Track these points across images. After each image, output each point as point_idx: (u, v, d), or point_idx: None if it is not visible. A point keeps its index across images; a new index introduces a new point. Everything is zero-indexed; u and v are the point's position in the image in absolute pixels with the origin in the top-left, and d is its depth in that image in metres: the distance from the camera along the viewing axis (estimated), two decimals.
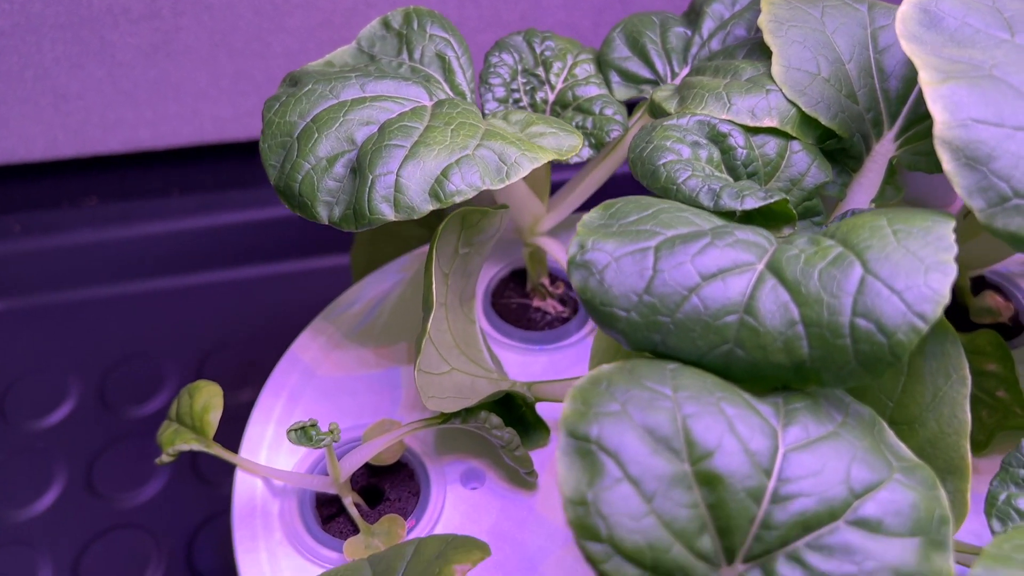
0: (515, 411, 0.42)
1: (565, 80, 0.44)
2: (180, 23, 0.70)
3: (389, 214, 0.34)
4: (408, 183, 0.34)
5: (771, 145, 0.36)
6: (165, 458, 0.41)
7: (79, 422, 0.67)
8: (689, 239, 0.30)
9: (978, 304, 0.48)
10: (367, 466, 0.42)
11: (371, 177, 0.34)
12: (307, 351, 0.46)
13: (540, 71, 0.44)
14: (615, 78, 0.44)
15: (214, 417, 0.42)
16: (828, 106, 0.37)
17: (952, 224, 0.28)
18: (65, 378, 0.69)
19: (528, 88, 0.44)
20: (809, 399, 0.29)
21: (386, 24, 0.42)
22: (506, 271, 0.50)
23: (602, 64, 0.44)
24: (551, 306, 0.48)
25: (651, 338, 0.29)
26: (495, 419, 0.40)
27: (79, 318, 0.73)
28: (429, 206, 0.34)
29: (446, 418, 0.41)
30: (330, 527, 0.40)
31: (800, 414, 0.28)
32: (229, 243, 0.77)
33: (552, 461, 0.42)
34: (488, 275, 0.49)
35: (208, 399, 0.42)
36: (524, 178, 0.45)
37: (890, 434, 0.29)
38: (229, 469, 0.65)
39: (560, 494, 0.26)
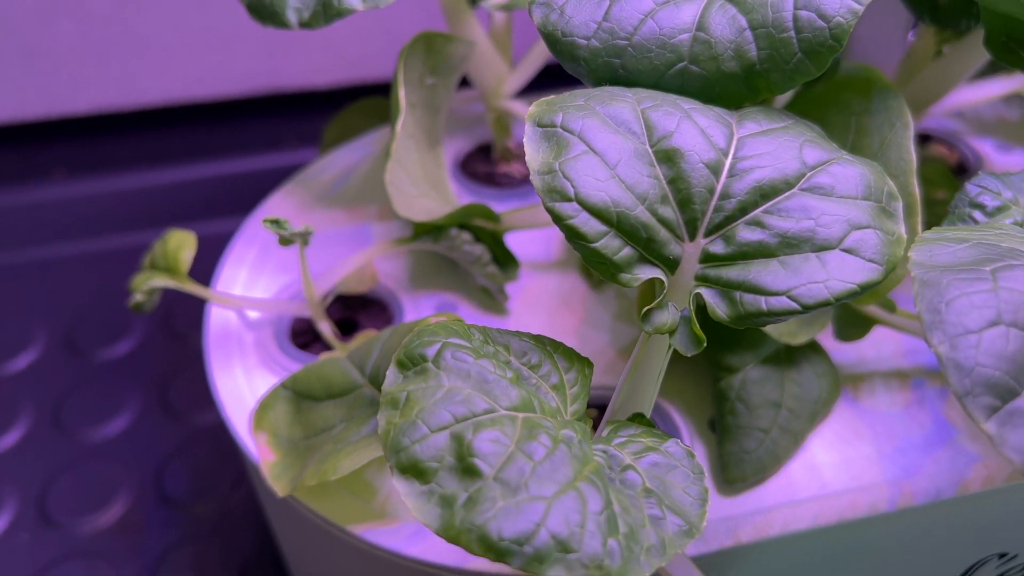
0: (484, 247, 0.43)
1: None
2: None
3: (357, 4, 0.36)
4: None
5: None
6: (138, 297, 0.41)
7: (46, 366, 0.66)
8: None
9: (926, 153, 0.50)
10: (341, 300, 0.43)
11: None
12: (278, 210, 0.47)
13: None
14: None
15: (187, 255, 0.42)
16: None
17: None
18: (32, 328, 0.69)
19: None
20: (761, 107, 0.30)
21: None
22: (472, 146, 0.52)
23: None
24: (517, 170, 0.50)
25: (611, 63, 0.30)
26: (466, 234, 0.41)
27: (46, 273, 0.73)
28: None
29: (416, 236, 0.41)
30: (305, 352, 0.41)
31: (753, 114, 0.29)
32: (193, 200, 0.78)
33: (523, 290, 0.43)
34: (455, 150, 0.51)
35: (181, 240, 0.43)
36: (487, 36, 0.47)
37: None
38: (198, 401, 0.65)
39: (529, 170, 0.27)
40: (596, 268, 0.27)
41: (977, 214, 0.33)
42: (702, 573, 0.30)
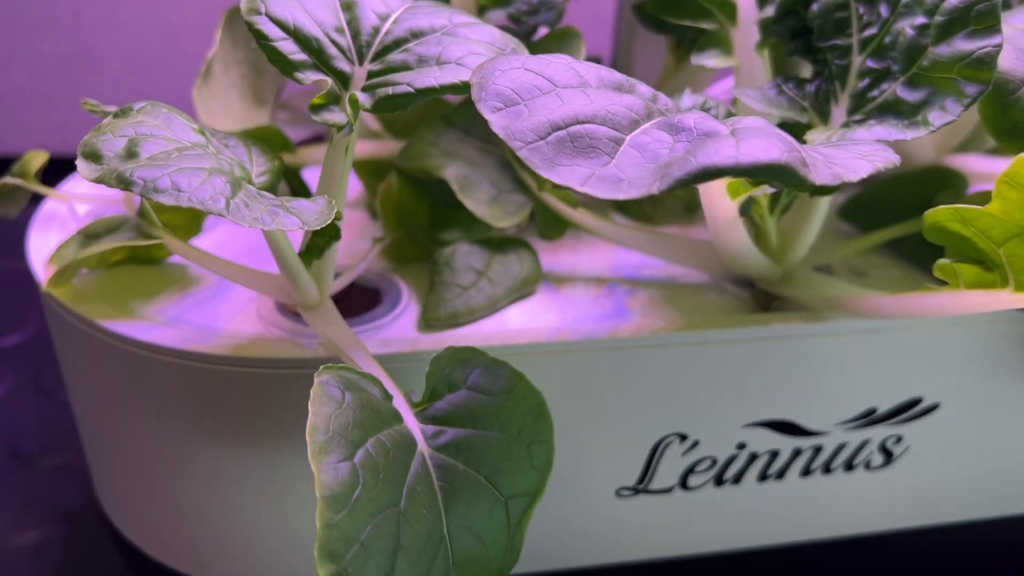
0: None
1: None
2: (98, 38, 0.86)
3: None
4: None
5: None
6: None
7: None
8: None
9: None
10: None
11: None
12: None
13: None
14: None
15: (38, 162, 0.51)
16: None
17: None
18: None
19: None
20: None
21: None
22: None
23: None
24: None
25: None
26: None
27: None
28: None
29: None
30: None
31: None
32: None
33: None
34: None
35: (36, 154, 0.52)
36: None
37: None
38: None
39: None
40: (275, 64, 0.36)
41: None
42: (381, 367, 0.37)
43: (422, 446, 0.33)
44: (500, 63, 0.31)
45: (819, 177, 0.27)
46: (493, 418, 0.35)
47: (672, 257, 0.46)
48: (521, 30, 0.49)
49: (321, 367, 0.33)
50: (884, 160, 0.30)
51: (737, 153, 0.27)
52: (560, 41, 0.46)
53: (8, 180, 0.50)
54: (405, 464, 0.32)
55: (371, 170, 0.51)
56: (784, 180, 0.26)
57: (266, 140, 0.50)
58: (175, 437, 0.41)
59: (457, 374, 0.35)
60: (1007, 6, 0.51)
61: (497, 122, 0.29)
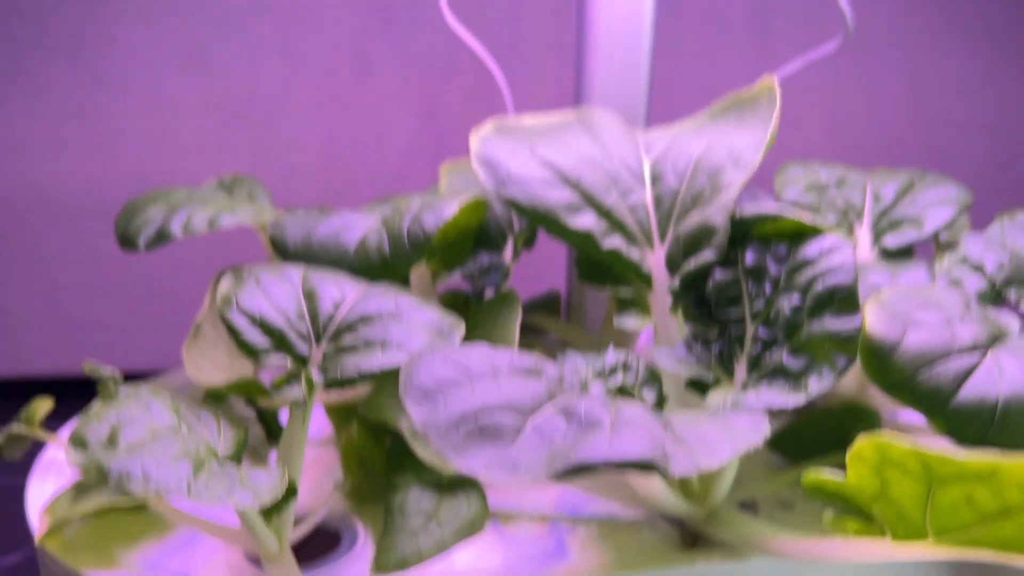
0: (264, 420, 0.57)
1: None
2: (115, 270, 0.94)
3: None
4: None
5: None
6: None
7: None
8: (332, 216, 0.50)
9: None
10: None
11: None
12: None
13: None
14: None
15: (43, 409, 0.57)
16: None
17: (460, 198, 0.49)
18: None
19: None
20: (392, 284, 0.47)
21: None
22: None
23: None
24: None
25: (303, 257, 0.48)
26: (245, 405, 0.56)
27: None
28: None
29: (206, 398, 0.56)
30: None
31: (379, 286, 0.46)
32: None
33: None
34: None
35: (41, 402, 0.58)
36: None
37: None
38: None
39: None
40: (245, 354, 0.42)
41: None
42: None
43: None
44: (426, 358, 0.37)
45: (678, 468, 0.32)
46: None
47: (608, 494, 0.50)
48: (474, 288, 0.55)
49: None
50: (748, 443, 0.35)
51: (608, 450, 0.32)
52: (502, 303, 0.52)
53: (15, 429, 0.56)
54: None
55: (341, 413, 0.57)
56: (647, 471, 0.31)
57: (247, 390, 0.56)
58: None
59: None
60: (909, 253, 0.57)
61: (418, 417, 0.35)
